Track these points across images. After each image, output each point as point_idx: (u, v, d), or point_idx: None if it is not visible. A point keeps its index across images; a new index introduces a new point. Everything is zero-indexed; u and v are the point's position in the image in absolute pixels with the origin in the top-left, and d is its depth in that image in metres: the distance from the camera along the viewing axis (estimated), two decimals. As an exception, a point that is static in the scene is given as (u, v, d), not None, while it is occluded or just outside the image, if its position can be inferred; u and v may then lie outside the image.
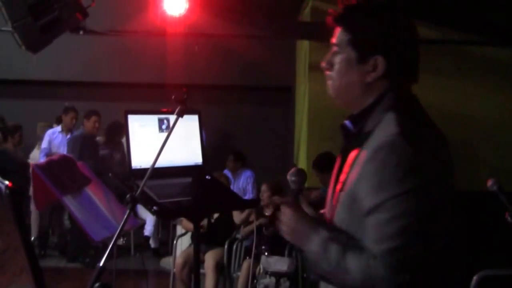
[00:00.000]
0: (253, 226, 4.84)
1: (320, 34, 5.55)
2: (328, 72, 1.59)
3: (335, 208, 1.53)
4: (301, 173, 1.68)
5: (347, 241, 1.43)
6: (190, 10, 5.26)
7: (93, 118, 6.47)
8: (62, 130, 6.87)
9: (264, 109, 8.10)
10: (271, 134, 7.98)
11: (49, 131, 6.92)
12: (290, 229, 1.54)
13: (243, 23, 5.66)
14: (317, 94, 5.82)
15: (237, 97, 8.15)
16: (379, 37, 1.49)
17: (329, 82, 1.60)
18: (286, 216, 1.55)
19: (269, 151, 7.88)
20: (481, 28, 5.43)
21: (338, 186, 1.52)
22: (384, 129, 1.43)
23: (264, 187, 5.29)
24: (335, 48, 1.57)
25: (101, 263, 1.68)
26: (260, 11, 5.85)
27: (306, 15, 6.16)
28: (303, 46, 6.47)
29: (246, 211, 4.99)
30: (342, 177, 1.51)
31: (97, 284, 1.67)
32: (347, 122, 1.57)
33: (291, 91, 7.72)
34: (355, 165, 1.46)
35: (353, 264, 1.38)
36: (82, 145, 6.18)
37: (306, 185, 6.18)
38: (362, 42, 1.50)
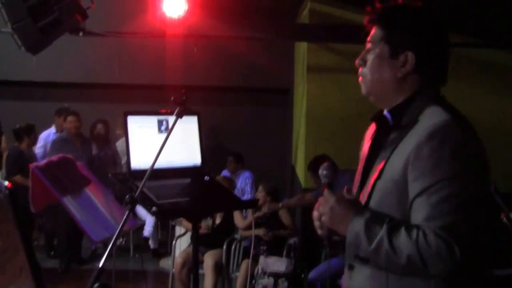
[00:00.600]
0: (252, 228, 4.87)
1: (318, 36, 5.59)
2: (360, 69, 1.66)
3: (370, 196, 1.58)
4: (332, 168, 1.72)
5: (391, 221, 1.47)
6: (189, 12, 5.27)
7: (70, 119, 6.27)
8: (57, 132, 6.84)
9: (263, 111, 8.12)
10: (270, 135, 8.00)
11: (44, 134, 6.87)
12: (331, 212, 1.56)
13: (242, 25, 5.68)
14: (315, 95, 5.85)
15: (236, 98, 8.16)
16: (410, 33, 1.58)
17: (361, 79, 1.66)
18: (327, 200, 1.58)
19: (267, 152, 7.89)
20: (477, 31, 5.46)
21: (374, 175, 1.57)
22: (432, 118, 1.50)
23: (260, 188, 5.34)
24: (369, 45, 1.65)
25: (101, 264, 1.70)
26: (259, 13, 5.87)
27: (304, 17, 6.18)
28: (301, 48, 6.49)
29: (249, 219, 5.02)
30: (378, 166, 1.56)
31: (96, 285, 1.68)
32: (387, 114, 1.65)
33: (289, 92, 7.74)
34: (394, 155, 1.53)
35: (401, 241, 1.42)
36: (63, 148, 5.98)
37: (302, 186, 6.22)
38: (394, 38, 1.59)
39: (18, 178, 5.69)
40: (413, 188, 1.46)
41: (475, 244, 1.42)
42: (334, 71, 5.78)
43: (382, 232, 1.45)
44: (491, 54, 5.77)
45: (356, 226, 1.50)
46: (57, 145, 6.18)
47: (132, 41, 6.90)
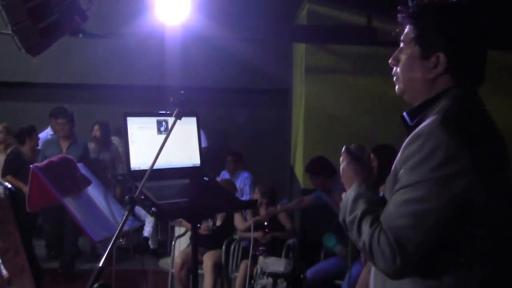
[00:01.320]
0: (251, 228, 4.89)
1: (317, 37, 5.61)
2: (394, 69, 1.66)
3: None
4: (362, 149, 1.82)
5: (373, 205, 1.54)
6: (188, 13, 5.29)
7: (58, 121, 6.07)
8: (54, 133, 6.80)
9: (261, 111, 8.14)
10: (268, 136, 8.02)
11: (41, 135, 6.77)
12: (343, 172, 1.69)
13: (241, 26, 5.70)
14: (313, 96, 5.87)
15: (235, 99, 8.19)
16: (442, 35, 1.54)
17: (395, 79, 1.66)
18: (342, 161, 1.70)
19: (266, 152, 7.92)
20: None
21: None
22: (430, 118, 1.49)
23: (256, 190, 5.37)
24: (402, 45, 1.64)
25: (100, 264, 1.71)
26: (257, 14, 5.89)
27: (302, 18, 6.20)
28: (300, 49, 6.51)
29: (250, 221, 5.04)
30: None
31: (96, 284, 1.70)
32: (405, 115, 1.62)
33: (288, 93, 7.76)
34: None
35: (365, 228, 1.48)
36: (46, 149, 5.92)
37: (301, 186, 6.23)
38: (425, 38, 1.56)
39: (8, 178, 5.66)
40: (397, 185, 1.50)
41: (418, 253, 1.42)
42: (332, 72, 5.80)
43: (359, 211, 1.53)
44: (500, 56, 5.75)
45: (349, 194, 1.60)
46: (42, 146, 6.10)
47: (132, 42, 6.92)
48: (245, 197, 6.48)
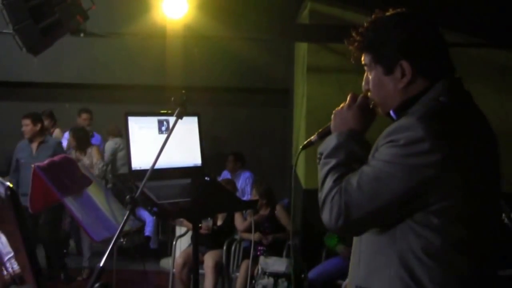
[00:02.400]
0: (250, 231, 4.88)
1: (318, 36, 5.59)
2: (369, 94, 1.68)
3: None
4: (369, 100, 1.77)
5: (352, 162, 1.56)
6: (189, 13, 5.28)
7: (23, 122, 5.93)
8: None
9: (263, 111, 8.13)
10: (270, 136, 8.01)
11: (66, 134, 6.79)
12: (341, 113, 1.68)
13: (242, 25, 5.69)
14: (315, 95, 5.85)
15: (236, 99, 8.18)
16: (395, 45, 1.57)
17: (373, 104, 1.68)
18: (348, 104, 1.68)
19: (267, 152, 7.91)
20: (479, 30, 5.45)
21: None
22: (412, 114, 1.52)
23: (253, 191, 5.36)
24: (366, 69, 1.67)
25: (101, 263, 1.71)
26: (259, 13, 5.88)
27: (304, 17, 6.19)
28: (301, 48, 6.50)
29: (247, 221, 5.03)
30: None
31: (97, 284, 1.69)
32: (392, 112, 1.64)
33: (290, 93, 7.75)
34: None
35: (330, 181, 1.54)
36: (18, 152, 5.83)
37: (303, 186, 6.22)
38: (382, 56, 1.60)
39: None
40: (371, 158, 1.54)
41: (360, 223, 1.50)
42: (334, 71, 5.78)
43: (334, 161, 1.56)
44: (494, 54, 5.77)
45: (336, 138, 1.61)
46: (16, 149, 5.95)
47: (133, 42, 6.92)
48: (246, 197, 6.47)
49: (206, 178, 2.43)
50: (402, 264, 1.48)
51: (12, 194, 3.74)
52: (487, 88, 5.78)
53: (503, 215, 4.37)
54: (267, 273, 4.62)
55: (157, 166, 1.92)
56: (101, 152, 6.83)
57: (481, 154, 1.53)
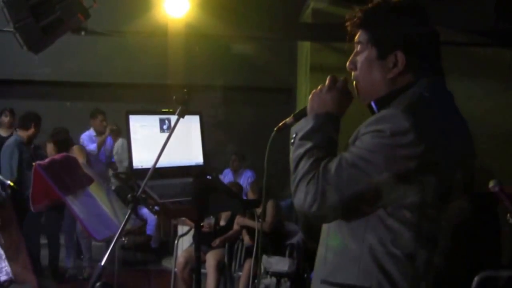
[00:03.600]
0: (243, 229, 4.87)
1: (321, 35, 5.57)
2: (353, 73, 1.64)
3: None
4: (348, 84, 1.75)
5: (328, 145, 1.53)
6: (191, 11, 5.27)
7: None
8: (96, 134, 6.72)
9: (265, 110, 8.10)
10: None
11: (85, 136, 6.72)
12: (319, 95, 1.63)
13: (245, 24, 5.67)
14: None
15: (238, 97, 8.17)
16: (396, 33, 1.55)
17: (355, 84, 1.64)
18: (328, 86, 1.63)
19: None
20: (481, 30, 5.44)
21: None
22: (392, 106, 1.50)
23: (249, 192, 5.33)
24: (357, 48, 1.62)
25: (103, 262, 1.70)
26: (262, 12, 5.86)
27: (307, 16, 6.17)
28: (304, 47, 6.48)
29: (245, 220, 5.01)
30: None
31: (98, 283, 1.68)
32: (372, 103, 1.62)
33: (292, 92, 7.73)
34: None
35: (306, 163, 1.49)
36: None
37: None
38: (381, 39, 1.56)
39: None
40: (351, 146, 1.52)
41: (334, 210, 1.46)
42: (337, 70, 5.73)
43: (311, 143, 1.52)
44: (496, 53, 5.75)
45: (314, 119, 1.56)
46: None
47: (135, 40, 6.90)
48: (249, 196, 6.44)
49: (208, 177, 2.41)
50: (372, 258, 1.47)
51: (13, 193, 3.74)
52: (488, 87, 5.77)
53: (508, 215, 4.35)
54: (269, 273, 4.61)
55: (158, 165, 1.91)
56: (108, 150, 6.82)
57: (458, 153, 1.52)
